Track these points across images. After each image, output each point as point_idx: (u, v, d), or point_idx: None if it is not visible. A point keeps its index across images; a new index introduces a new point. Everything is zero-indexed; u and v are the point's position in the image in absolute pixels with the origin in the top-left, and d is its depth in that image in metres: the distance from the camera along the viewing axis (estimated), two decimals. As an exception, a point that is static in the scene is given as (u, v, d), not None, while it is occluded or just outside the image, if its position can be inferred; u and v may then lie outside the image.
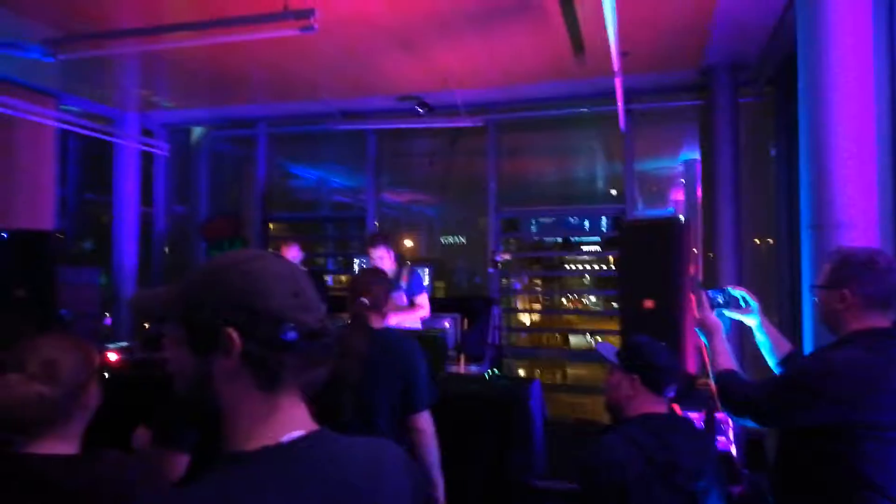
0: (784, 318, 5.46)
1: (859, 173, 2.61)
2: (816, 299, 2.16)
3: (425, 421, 2.64)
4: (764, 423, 2.12)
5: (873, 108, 2.73)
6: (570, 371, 10.20)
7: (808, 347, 2.80)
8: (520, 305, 10.46)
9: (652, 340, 2.19)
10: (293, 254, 5.57)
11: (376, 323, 2.73)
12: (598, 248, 10.55)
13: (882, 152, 2.60)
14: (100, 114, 7.61)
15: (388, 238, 5.19)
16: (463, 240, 14.25)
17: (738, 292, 2.49)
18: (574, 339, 10.57)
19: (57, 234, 6.16)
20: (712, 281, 5.84)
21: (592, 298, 12.48)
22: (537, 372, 9.98)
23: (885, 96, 3.06)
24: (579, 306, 12.40)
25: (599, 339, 9.71)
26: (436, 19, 4.86)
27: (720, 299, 2.49)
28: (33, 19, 4.86)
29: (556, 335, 10.34)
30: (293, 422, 0.94)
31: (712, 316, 2.41)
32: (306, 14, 3.19)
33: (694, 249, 4.47)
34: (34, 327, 4.51)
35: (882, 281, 1.99)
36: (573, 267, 11.55)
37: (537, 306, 11.59)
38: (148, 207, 8.38)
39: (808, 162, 2.63)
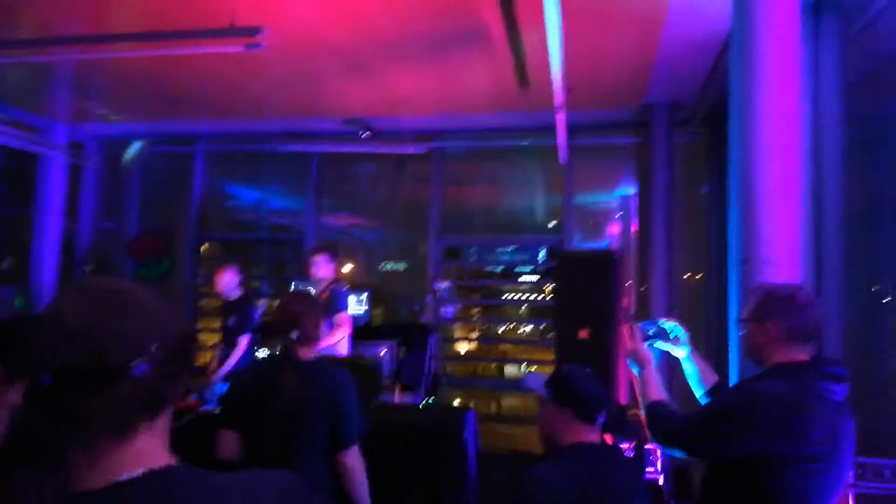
0: (711, 350, 5.62)
1: (785, 213, 2.72)
2: (741, 332, 2.22)
3: (352, 458, 2.54)
4: (691, 454, 2.14)
5: (800, 152, 2.86)
6: (505, 401, 10.21)
7: (733, 379, 2.88)
8: (457, 334, 10.44)
9: (578, 369, 2.20)
10: (230, 277, 5.39)
11: (306, 354, 2.64)
12: (536, 277, 10.68)
13: (805, 195, 2.72)
14: (25, 122, 7.23)
15: (331, 248, 5.10)
16: (402, 267, 14.19)
17: (669, 324, 2.54)
18: (509, 369, 10.61)
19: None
20: (645, 313, 5.98)
21: (529, 328, 12.60)
22: (472, 402, 9.94)
23: (809, 139, 3.23)
24: (516, 336, 12.47)
25: (534, 368, 9.79)
26: (385, 44, 4.87)
27: (651, 331, 2.53)
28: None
29: (492, 365, 10.35)
30: (137, 459, 0.87)
31: (644, 348, 2.44)
32: (253, 31, 3.13)
33: (627, 282, 4.57)
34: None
35: (803, 315, 2.06)
36: (511, 296, 11.64)
37: (474, 335, 11.60)
38: (73, 223, 7.98)
39: (738, 200, 2.73)
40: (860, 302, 3.48)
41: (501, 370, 10.52)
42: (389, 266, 14.65)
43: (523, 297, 11.83)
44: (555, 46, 3.60)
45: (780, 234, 2.62)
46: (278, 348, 2.67)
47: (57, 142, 7.38)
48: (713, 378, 2.45)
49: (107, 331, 0.85)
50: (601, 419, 2.10)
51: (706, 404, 2.24)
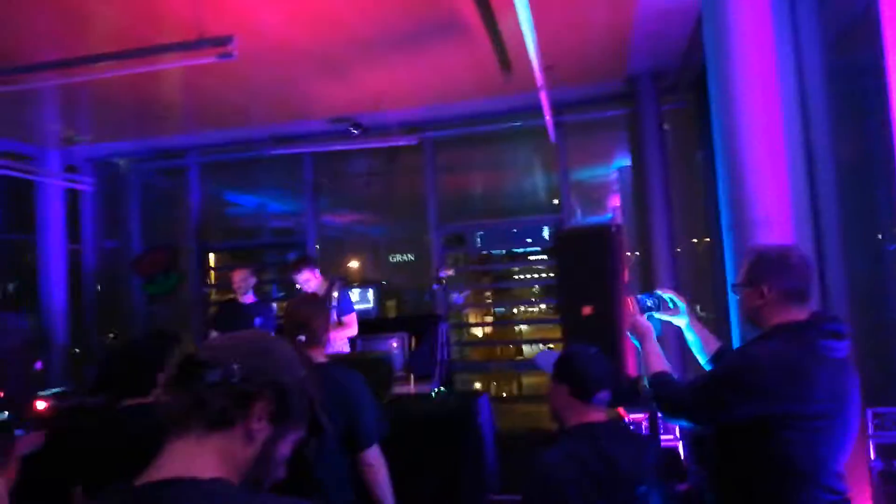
0: (720, 315, 5.61)
1: (772, 172, 2.72)
2: (737, 297, 2.23)
3: (374, 456, 2.59)
4: (695, 421, 2.16)
5: (780, 110, 2.85)
6: (526, 380, 10.25)
7: (736, 343, 2.88)
8: (471, 319, 10.49)
9: (583, 350, 2.21)
10: (245, 274, 5.46)
11: (316, 356, 2.67)
12: (542, 256, 10.70)
13: (794, 153, 2.71)
14: (19, 152, 7.28)
15: (310, 261, 5.17)
16: (411, 257, 14.21)
17: (666, 295, 2.55)
18: (527, 349, 10.64)
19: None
20: (650, 283, 5.97)
21: (542, 306, 12.63)
22: (493, 384, 10.01)
23: (794, 98, 3.21)
24: (528, 316, 12.52)
25: (550, 346, 9.81)
26: (360, 42, 4.86)
27: (649, 303, 2.55)
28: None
29: (509, 346, 10.40)
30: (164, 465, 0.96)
31: (643, 319, 2.46)
32: (224, 41, 3.14)
33: (628, 254, 4.56)
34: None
35: (797, 275, 2.07)
36: (520, 277, 11.66)
37: (488, 318, 11.65)
38: (76, 244, 8.05)
39: (724, 165, 2.73)
40: (863, 254, 3.47)
41: (519, 350, 10.58)
42: (397, 258, 14.69)
43: (531, 278, 11.83)
44: (527, 27, 3.58)
45: (770, 195, 2.62)
46: None
47: (51, 168, 7.43)
48: (715, 345, 2.46)
49: (206, 346, 1.02)
50: (603, 397, 2.11)
51: (707, 371, 2.25)
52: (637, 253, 6.76)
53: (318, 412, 1.08)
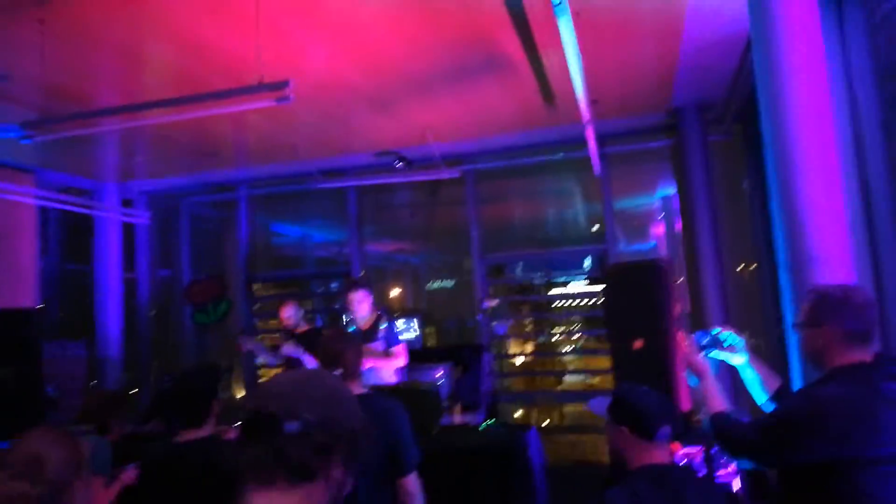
0: (771, 342, 5.51)
1: (830, 208, 2.69)
2: (799, 337, 2.21)
3: (413, 483, 2.64)
4: (760, 462, 2.15)
5: (834, 142, 2.83)
6: (567, 409, 10.13)
7: (795, 376, 2.84)
8: (512, 349, 10.43)
9: (635, 388, 2.21)
10: (290, 312, 5.59)
11: (354, 389, 2.73)
12: (584, 286, 10.62)
13: (850, 186, 2.68)
14: (78, 186, 7.63)
15: (367, 282, 5.23)
16: (449, 285, 14.25)
17: (724, 333, 2.53)
18: (569, 378, 10.53)
19: (39, 310, 6.09)
20: (699, 312, 5.90)
21: (582, 336, 12.49)
22: (534, 413, 9.90)
23: (848, 130, 3.18)
24: (570, 346, 12.38)
25: (595, 381, 9.70)
26: (409, 80, 5.00)
27: (705, 341, 2.53)
28: (11, 102, 4.94)
29: (552, 377, 10.30)
30: None
31: (700, 359, 2.45)
32: (281, 86, 3.28)
33: (677, 287, 4.54)
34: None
35: (860, 316, 2.05)
36: (561, 304, 11.56)
37: (529, 348, 11.55)
38: (131, 273, 8.34)
39: (779, 201, 2.71)
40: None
41: (560, 380, 10.46)
42: (437, 285, 14.74)
43: (573, 305, 11.74)
44: (574, 61, 3.64)
45: (828, 231, 2.59)
46: None
47: (108, 202, 7.75)
48: (775, 382, 2.42)
49: (278, 394, 1.03)
50: (665, 432, 2.10)
51: (770, 412, 2.22)
52: (683, 279, 6.70)
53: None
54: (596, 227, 9.61)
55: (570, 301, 11.27)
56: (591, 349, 9.59)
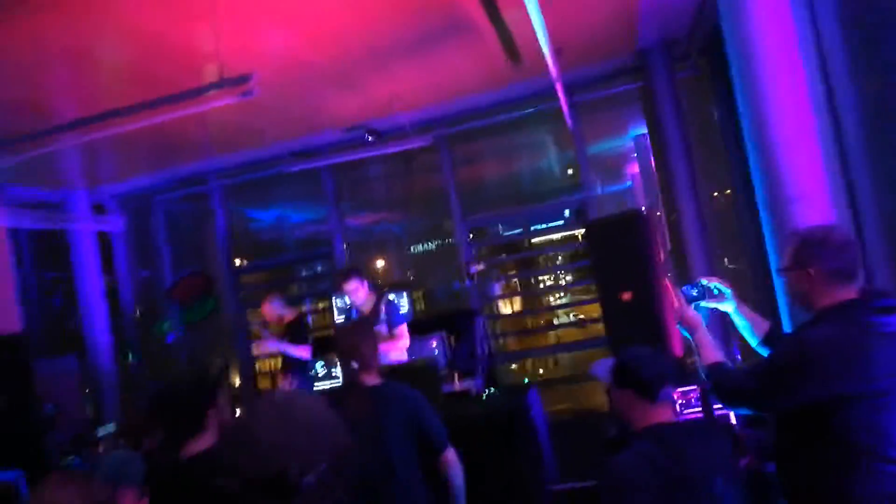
0: (752, 264, 5.60)
1: (804, 148, 2.69)
2: (785, 281, 2.24)
3: (451, 455, 2.77)
4: (757, 408, 2.20)
5: (804, 79, 2.82)
6: (562, 357, 10.32)
7: (785, 321, 2.88)
8: (504, 309, 10.53)
9: (637, 350, 2.23)
10: (270, 308, 5.57)
11: (371, 380, 2.76)
12: (567, 232, 10.67)
13: (822, 126, 2.67)
14: (48, 200, 7.45)
15: (358, 270, 5.22)
16: (433, 247, 14.24)
17: (711, 284, 2.56)
18: (563, 330, 10.71)
19: (26, 332, 6.00)
20: (680, 245, 5.97)
21: (569, 277, 12.59)
22: (529, 365, 10.06)
23: (814, 63, 3.15)
24: (559, 296, 12.52)
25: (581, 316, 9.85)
26: (370, 53, 4.89)
27: (694, 292, 2.56)
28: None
29: (543, 325, 10.43)
30: None
31: (691, 311, 2.47)
32: (244, 80, 3.19)
33: (658, 236, 4.57)
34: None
35: (842, 255, 2.07)
36: (548, 257, 11.63)
37: (519, 306, 11.66)
38: (111, 276, 8.22)
39: (754, 144, 2.70)
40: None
41: (555, 332, 10.60)
42: (420, 248, 14.71)
43: (559, 258, 11.83)
44: (536, 17, 3.55)
45: (804, 171, 2.60)
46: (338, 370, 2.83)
47: (79, 212, 7.58)
48: (765, 325, 2.46)
49: (291, 451, 1.05)
50: (668, 393, 2.13)
51: (764, 359, 2.26)
52: (661, 214, 6.76)
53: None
54: (570, 172, 9.63)
55: (556, 253, 11.36)
56: (580, 301, 9.71)
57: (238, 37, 3.96)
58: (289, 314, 5.65)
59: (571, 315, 10.40)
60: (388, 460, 2.64)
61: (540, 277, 12.55)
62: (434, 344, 6.28)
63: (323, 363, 6.45)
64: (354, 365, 2.75)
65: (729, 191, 6.57)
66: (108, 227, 7.94)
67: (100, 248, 7.89)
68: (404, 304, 6.31)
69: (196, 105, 3.48)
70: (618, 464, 1.99)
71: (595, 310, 7.88)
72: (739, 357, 5.00)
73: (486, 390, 4.72)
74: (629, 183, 11.89)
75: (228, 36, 3.66)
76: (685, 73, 6.28)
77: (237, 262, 8.48)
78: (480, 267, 6.86)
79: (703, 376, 2.31)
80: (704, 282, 2.57)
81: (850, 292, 2.07)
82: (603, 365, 2.29)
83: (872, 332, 1.97)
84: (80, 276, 7.72)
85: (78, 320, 7.83)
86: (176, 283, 8.28)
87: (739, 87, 2.94)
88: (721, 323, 3.94)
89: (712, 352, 2.31)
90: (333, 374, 5.35)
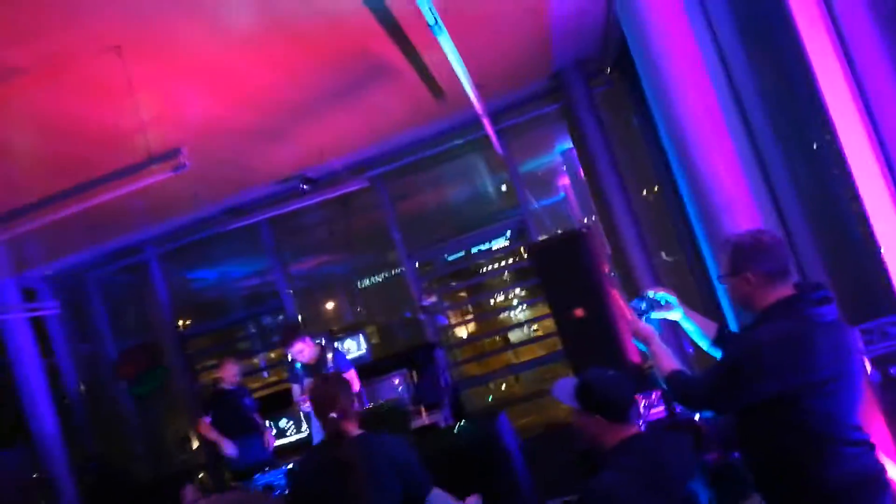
0: (688, 256, 5.86)
1: (721, 149, 2.85)
2: (726, 288, 2.36)
3: (437, 496, 2.74)
4: (717, 410, 2.30)
5: (708, 78, 2.96)
6: (523, 376, 10.39)
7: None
8: (460, 335, 10.57)
9: (600, 373, 2.30)
10: (232, 372, 5.50)
11: (352, 430, 2.76)
12: (506, 251, 10.84)
13: (736, 133, 2.84)
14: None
15: (297, 330, 5.19)
16: (380, 279, 14.24)
17: (658, 294, 2.66)
18: (515, 336, 10.84)
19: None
20: (618, 245, 6.19)
21: (522, 293, 12.77)
22: (492, 383, 10.10)
23: (720, 72, 3.34)
24: (514, 314, 12.67)
25: (535, 326, 9.97)
26: (293, 107, 4.92)
27: (643, 305, 2.65)
28: None
29: (501, 345, 10.49)
30: None
31: (643, 324, 2.56)
32: (173, 154, 3.16)
33: (602, 249, 4.73)
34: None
35: (773, 256, 2.20)
36: (491, 270, 11.77)
37: (473, 328, 11.72)
38: (50, 357, 7.83)
39: (677, 159, 2.85)
40: (819, 209, 3.54)
41: (508, 344, 10.68)
42: (367, 282, 14.66)
43: (504, 272, 11.94)
44: (454, 58, 3.65)
45: (726, 174, 2.75)
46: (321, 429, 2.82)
47: (9, 300, 7.22)
48: (713, 327, 2.55)
49: None
50: (636, 412, 2.21)
51: (717, 363, 2.37)
52: (596, 218, 6.99)
53: None
54: (505, 189, 9.86)
55: (504, 274, 11.48)
56: (535, 318, 9.84)
57: (161, 110, 3.93)
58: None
59: (529, 329, 10.52)
60: None
61: (492, 300, 12.66)
62: (397, 381, 6.29)
63: (287, 419, 6.35)
64: (335, 416, 2.73)
65: (656, 187, 6.86)
66: (42, 313, 7.59)
67: (35, 328, 7.51)
68: (353, 349, 6.31)
69: (127, 185, 3.42)
70: (603, 483, 2.03)
71: (551, 323, 8.02)
72: (691, 350, 5.16)
73: (458, 423, 4.74)
74: (562, 195, 12.23)
75: (151, 111, 3.64)
76: (601, 87, 6.56)
77: (184, 324, 8.22)
78: (433, 299, 6.91)
79: (663, 385, 2.40)
80: (651, 293, 2.66)
81: (787, 288, 2.19)
82: (564, 387, 2.34)
83: (814, 322, 2.10)
84: (18, 365, 7.31)
85: (20, 409, 7.41)
86: (120, 357, 7.97)
87: (652, 96, 3.09)
88: (672, 331, 4.08)
89: (669, 361, 2.39)
90: (302, 429, 5.28)
